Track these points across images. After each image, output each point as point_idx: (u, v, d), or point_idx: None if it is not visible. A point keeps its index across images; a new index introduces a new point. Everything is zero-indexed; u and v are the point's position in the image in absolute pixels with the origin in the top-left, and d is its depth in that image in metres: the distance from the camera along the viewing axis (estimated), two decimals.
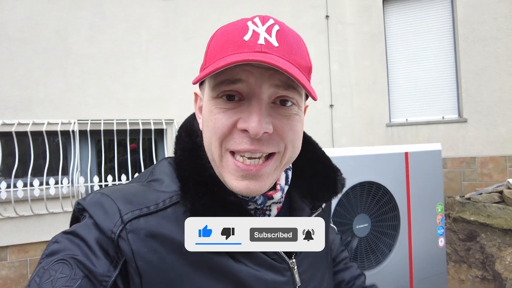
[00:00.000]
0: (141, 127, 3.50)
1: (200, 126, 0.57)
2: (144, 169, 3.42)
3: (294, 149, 0.52)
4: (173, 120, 3.68)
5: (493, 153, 4.12)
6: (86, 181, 3.34)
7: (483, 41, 4.21)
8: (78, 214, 0.52)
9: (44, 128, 3.23)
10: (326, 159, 0.68)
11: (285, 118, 0.49)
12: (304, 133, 0.64)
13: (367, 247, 2.15)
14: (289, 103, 0.50)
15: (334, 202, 2.02)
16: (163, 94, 3.68)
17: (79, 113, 3.43)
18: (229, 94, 0.48)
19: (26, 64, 3.29)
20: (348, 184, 2.08)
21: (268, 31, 0.47)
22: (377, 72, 4.51)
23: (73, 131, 3.35)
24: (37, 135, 3.26)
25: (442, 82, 4.44)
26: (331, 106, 4.46)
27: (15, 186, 3.04)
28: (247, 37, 0.46)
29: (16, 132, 3.15)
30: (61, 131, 3.30)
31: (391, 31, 4.60)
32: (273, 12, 4.26)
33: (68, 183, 3.24)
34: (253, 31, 0.47)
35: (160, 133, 3.75)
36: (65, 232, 0.49)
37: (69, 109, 3.39)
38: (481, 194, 3.68)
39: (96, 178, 3.28)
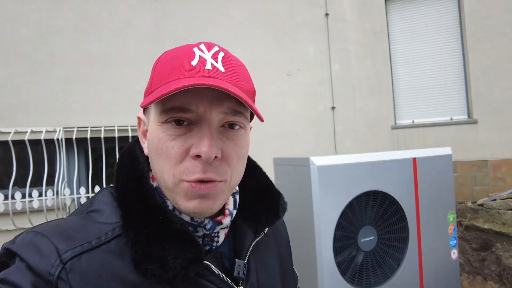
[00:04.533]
0: (130, 134, 3.32)
1: (145, 151, 0.57)
2: None
3: (238, 173, 0.54)
4: None
5: (506, 156, 3.89)
6: (72, 193, 3.16)
7: (492, 37, 4.01)
8: (6, 259, 0.46)
9: (27, 137, 3.05)
10: (269, 183, 0.68)
11: (232, 143, 0.51)
12: (248, 157, 0.65)
13: (374, 262, 2.00)
14: (236, 127, 0.52)
15: (338, 213, 1.89)
16: None
17: (65, 120, 3.26)
18: (178, 119, 0.48)
19: (7, 70, 3.12)
20: (352, 194, 1.93)
21: (214, 57, 0.49)
22: (380, 72, 4.32)
23: (58, 140, 3.17)
24: (19, 144, 3.08)
25: (450, 81, 4.24)
26: (333, 108, 4.27)
27: None
28: (194, 62, 0.47)
29: (7, 142, 2.98)
30: (45, 140, 3.12)
31: (394, 29, 4.41)
32: (269, 12, 4.09)
33: (53, 195, 3.05)
34: (200, 56, 0.48)
35: None
36: None
37: (54, 116, 3.22)
38: (494, 200, 3.46)
39: (83, 190, 3.10)
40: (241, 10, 3.97)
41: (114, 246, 0.48)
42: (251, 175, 0.66)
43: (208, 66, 0.47)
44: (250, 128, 0.60)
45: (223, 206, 0.59)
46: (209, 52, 0.49)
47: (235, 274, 0.56)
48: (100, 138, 3.27)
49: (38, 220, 3.01)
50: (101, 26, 3.42)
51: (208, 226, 0.54)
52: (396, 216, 2.07)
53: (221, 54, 0.50)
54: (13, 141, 3.01)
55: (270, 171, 2.60)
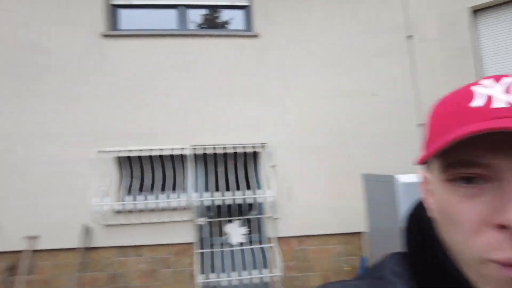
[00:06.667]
0: (238, 151, 4.14)
1: (429, 212, 0.49)
2: (239, 184, 4.11)
3: None
4: (265, 143, 4.22)
5: None
6: (199, 196, 4.10)
7: None
8: None
9: (168, 153, 4.11)
10: None
11: None
12: None
13: None
14: None
15: None
16: (257, 122, 4.28)
17: (193, 140, 4.20)
18: (468, 177, 0.39)
19: (146, 105, 4.21)
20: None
21: (508, 90, 0.38)
22: None
23: (188, 155, 4.15)
24: (165, 159, 4.16)
25: None
26: (420, 125, 4.44)
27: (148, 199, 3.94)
28: (475, 104, 0.39)
29: (152, 156, 4.10)
30: (181, 155, 4.15)
31: (483, 43, 4.41)
32: (353, 42, 4.53)
33: (185, 197, 4.02)
34: (484, 94, 0.39)
35: (254, 155, 4.35)
36: None
37: (186, 137, 4.19)
38: None
39: (205, 194, 4.01)
40: (315, 44, 4.53)
41: None
42: None
43: (497, 105, 0.37)
44: None
45: None
46: (497, 83, 0.39)
47: None
48: (215, 154, 4.17)
49: (174, 217, 3.97)
50: (215, 65, 4.36)
51: None
52: None
53: None
54: (160, 156, 4.08)
55: (359, 186, 3.13)
